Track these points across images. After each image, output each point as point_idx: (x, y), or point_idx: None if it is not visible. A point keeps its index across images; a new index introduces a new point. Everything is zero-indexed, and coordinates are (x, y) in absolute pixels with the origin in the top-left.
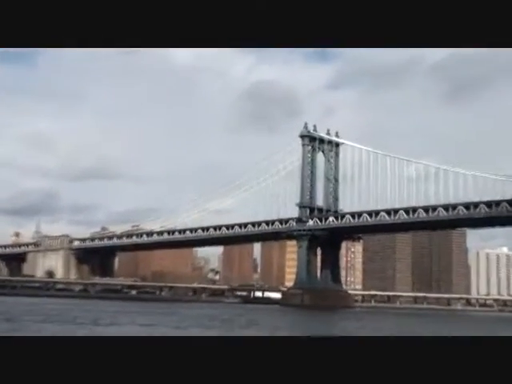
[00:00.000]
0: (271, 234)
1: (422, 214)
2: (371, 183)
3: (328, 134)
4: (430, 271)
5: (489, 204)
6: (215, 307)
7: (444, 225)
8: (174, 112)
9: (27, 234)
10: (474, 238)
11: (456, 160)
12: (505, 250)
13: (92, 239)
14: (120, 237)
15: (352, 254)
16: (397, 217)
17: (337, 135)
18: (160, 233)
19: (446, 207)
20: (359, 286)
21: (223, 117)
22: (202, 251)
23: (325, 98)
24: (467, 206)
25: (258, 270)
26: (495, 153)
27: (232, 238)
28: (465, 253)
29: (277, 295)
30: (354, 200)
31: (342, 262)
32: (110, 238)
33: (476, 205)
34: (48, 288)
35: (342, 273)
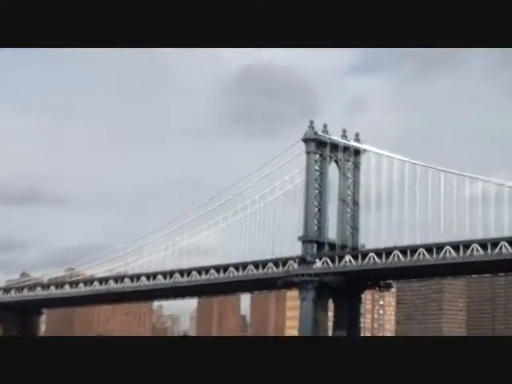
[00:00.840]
0: (263, 281)
1: (478, 251)
2: (406, 208)
3: (344, 136)
4: (493, 333)
5: None
6: None
7: (510, 266)
8: (131, 111)
9: None
10: None
11: None
12: None
13: (6, 290)
14: (47, 286)
15: (381, 308)
16: (441, 255)
17: (357, 139)
18: (104, 280)
19: (508, 241)
20: None
21: (200, 115)
22: (169, 307)
23: (347, 88)
24: None
25: (248, 332)
26: None
27: (206, 287)
28: None
29: None
30: (380, 232)
31: (366, 320)
32: (33, 288)
33: None
34: None
35: (366, 335)
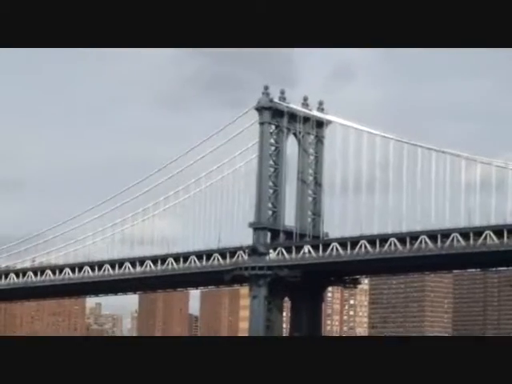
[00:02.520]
0: (207, 275)
1: (459, 242)
2: (377, 192)
3: (305, 105)
4: (483, 334)
5: None
6: None
7: (500, 260)
8: (66, 77)
9: None
10: None
11: None
12: None
13: None
14: None
15: (351, 308)
16: (416, 246)
17: (320, 108)
18: (21, 272)
19: (499, 230)
20: None
21: (155, 84)
22: (110, 305)
23: (329, 55)
24: None
25: (198, 334)
26: None
27: (141, 282)
28: None
29: None
30: (347, 219)
31: (334, 322)
32: None
33: None
34: None
35: None
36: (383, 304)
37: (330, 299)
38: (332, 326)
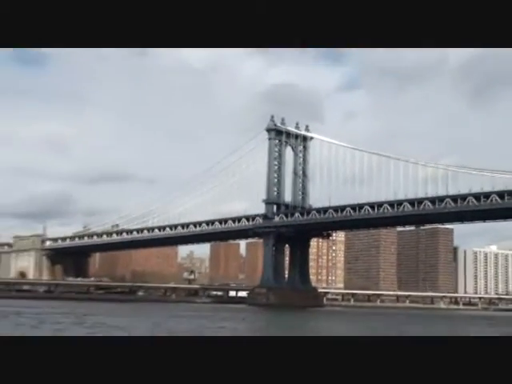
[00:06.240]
0: (237, 232)
1: (388, 210)
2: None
3: (297, 127)
4: (416, 270)
5: (477, 196)
6: (175, 308)
7: (412, 221)
8: (183, 113)
9: None
10: (465, 235)
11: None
12: (493, 248)
13: (64, 239)
14: (100, 235)
15: (333, 252)
16: (362, 212)
17: (307, 129)
18: (139, 230)
19: (409, 202)
20: (341, 285)
21: (239, 119)
22: (199, 252)
23: (338, 101)
24: (455, 198)
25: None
26: None
27: (200, 237)
28: (452, 251)
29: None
30: (323, 196)
31: (323, 260)
32: (88, 236)
33: (464, 197)
34: (10, 289)
35: (323, 272)
36: (354, 249)
37: (319, 247)
38: (322, 262)
